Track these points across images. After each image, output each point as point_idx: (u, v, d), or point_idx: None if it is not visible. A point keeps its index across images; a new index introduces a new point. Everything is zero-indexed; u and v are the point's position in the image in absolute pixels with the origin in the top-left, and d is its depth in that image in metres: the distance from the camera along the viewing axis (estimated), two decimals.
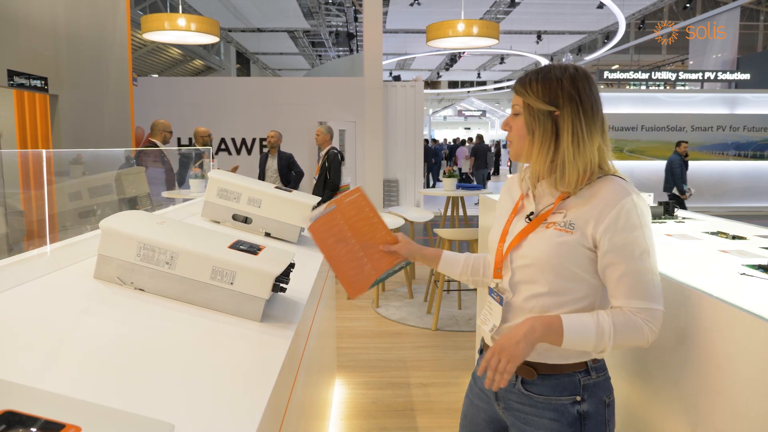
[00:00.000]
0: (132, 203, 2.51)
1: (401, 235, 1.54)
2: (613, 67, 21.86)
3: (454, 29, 6.77)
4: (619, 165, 1.36)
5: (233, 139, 11.47)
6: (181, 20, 5.88)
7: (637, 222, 1.24)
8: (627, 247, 1.23)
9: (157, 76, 17.51)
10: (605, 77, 13.11)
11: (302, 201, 2.41)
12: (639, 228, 1.24)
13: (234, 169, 6.76)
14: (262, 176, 6.68)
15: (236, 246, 1.47)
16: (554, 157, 1.30)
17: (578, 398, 1.33)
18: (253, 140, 11.47)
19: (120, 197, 2.51)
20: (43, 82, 5.36)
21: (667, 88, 12.83)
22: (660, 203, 2.11)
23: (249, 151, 11.60)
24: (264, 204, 2.38)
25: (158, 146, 5.63)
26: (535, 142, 1.31)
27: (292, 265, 1.56)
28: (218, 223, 2.42)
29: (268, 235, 2.41)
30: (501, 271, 1.39)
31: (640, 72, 13.14)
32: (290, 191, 2.48)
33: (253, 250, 1.48)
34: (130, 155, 5.35)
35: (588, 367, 1.34)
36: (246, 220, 2.41)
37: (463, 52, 22.60)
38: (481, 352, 1.55)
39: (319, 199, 2.50)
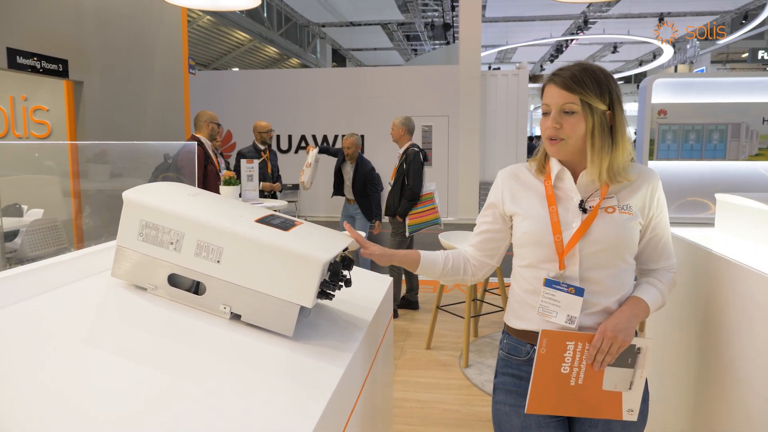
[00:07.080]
0: None
1: (376, 246, 1.47)
2: (744, 55, 19.07)
3: None
4: None
5: (314, 137, 10.54)
6: None
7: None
8: (665, 218, 1.48)
9: (237, 69, 17.08)
10: (760, 58, 10.83)
11: (306, 253, 1.18)
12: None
13: (269, 189, 5.55)
14: (338, 182, 5.54)
15: None
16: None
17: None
18: (335, 137, 10.47)
19: None
20: (61, 65, 4.52)
21: None
22: None
23: None
24: (228, 254, 1.19)
25: (202, 143, 4.66)
26: (596, 141, 1.36)
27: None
28: (144, 290, 1.26)
29: (236, 318, 1.22)
30: (564, 261, 1.42)
31: None
32: (287, 230, 1.26)
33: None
34: (167, 153, 4.43)
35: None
36: (195, 289, 1.23)
37: (571, 41, 20.54)
38: (508, 352, 1.53)
39: (345, 242, 1.28)
